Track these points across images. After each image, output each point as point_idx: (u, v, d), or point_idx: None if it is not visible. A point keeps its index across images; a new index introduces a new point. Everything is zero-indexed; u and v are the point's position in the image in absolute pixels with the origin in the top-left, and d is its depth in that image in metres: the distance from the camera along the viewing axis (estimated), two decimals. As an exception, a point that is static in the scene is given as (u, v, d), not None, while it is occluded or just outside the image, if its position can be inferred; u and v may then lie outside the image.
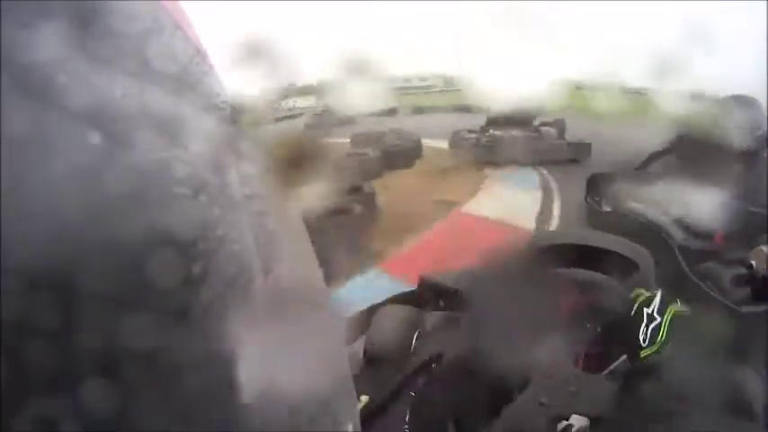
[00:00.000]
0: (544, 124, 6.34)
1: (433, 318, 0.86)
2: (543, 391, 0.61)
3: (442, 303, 0.89)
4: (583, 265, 0.74)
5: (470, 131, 6.50)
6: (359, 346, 0.85)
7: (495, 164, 5.45)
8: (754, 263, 1.98)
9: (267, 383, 0.17)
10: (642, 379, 0.58)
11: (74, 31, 0.14)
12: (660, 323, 0.64)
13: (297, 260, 0.21)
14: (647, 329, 0.64)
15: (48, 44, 0.13)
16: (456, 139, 6.53)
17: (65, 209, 0.12)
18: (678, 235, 2.48)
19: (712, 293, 2.02)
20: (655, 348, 0.63)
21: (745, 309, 1.88)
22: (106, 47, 0.15)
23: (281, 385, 0.18)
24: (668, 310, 0.65)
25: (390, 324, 0.84)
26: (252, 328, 0.17)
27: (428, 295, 0.94)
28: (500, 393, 0.65)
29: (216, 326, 0.15)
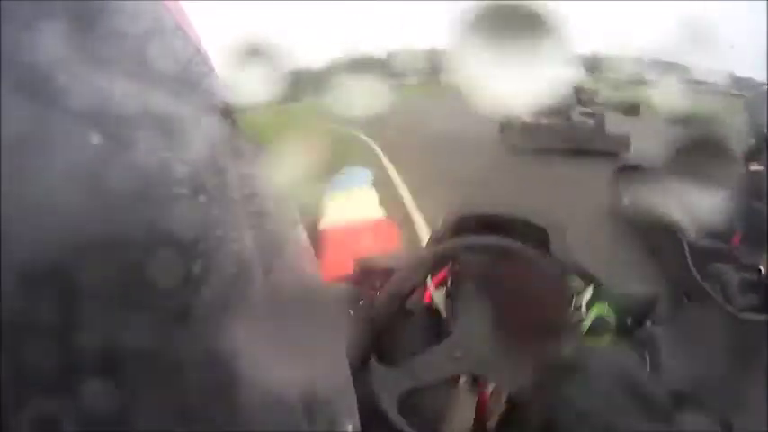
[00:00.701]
0: (585, 114, 6.33)
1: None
2: (459, 347, 0.61)
3: (378, 284, 0.91)
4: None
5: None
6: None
7: (531, 151, 5.43)
8: (762, 268, 1.94)
9: (267, 383, 0.17)
10: (561, 376, 0.59)
11: (74, 31, 0.14)
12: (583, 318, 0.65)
13: (297, 260, 0.22)
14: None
15: (48, 44, 0.13)
16: (503, 125, 6.43)
17: (65, 209, 0.12)
18: (692, 233, 2.42)
19: (715, 297, 1.99)
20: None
21: (744, 315, 1.84)
22: (107, 47, 0.15)
23: (281, 385, 0.18)
24: (593, 308, 0.68)
25: None
26: (252, 328, 0.17)
27: (363, 277, 0.96)
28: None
29: (216, 326, 0.15)
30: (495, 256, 0.70)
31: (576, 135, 5.83)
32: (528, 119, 6.10)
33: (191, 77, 0.19)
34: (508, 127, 6.30)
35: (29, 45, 0.13)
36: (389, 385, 0.60)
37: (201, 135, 0.17)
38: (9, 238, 0.11)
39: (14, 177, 0.12)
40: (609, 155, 5.27)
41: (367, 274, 0.94)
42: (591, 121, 6.18)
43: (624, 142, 5.63)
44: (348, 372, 0.24)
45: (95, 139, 0.13)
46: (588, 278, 0.71)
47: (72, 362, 0.12)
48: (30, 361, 0.12)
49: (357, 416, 0.24)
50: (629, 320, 0.74)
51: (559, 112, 6.27)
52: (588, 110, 6.52)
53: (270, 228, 0.20)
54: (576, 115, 6.30)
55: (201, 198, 0.16)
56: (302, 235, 0.24)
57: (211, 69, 0.21)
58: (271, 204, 0.21)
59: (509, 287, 0.67)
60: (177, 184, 0.15)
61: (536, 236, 0.73)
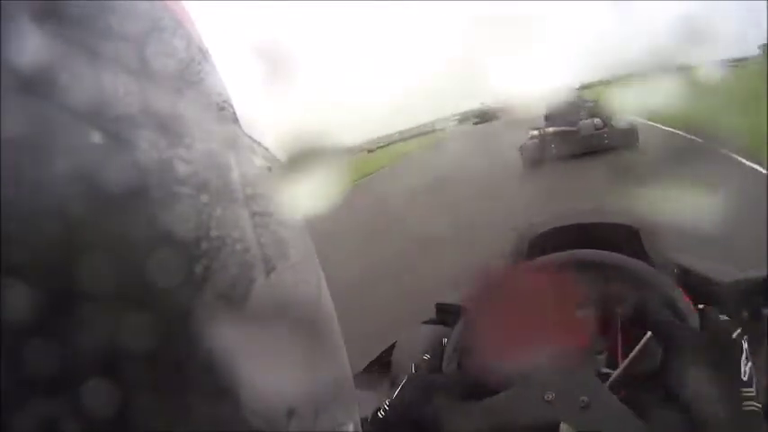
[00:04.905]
0: (594, 115, 6.83)
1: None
2: (552, 387, 0.51)
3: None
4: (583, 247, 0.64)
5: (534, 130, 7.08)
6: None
7: (543, 162, 5.92)
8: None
9: (268, 384, 0.17)
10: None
11: (76, 29, 0.14)
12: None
13: (299, 260, 0.21)
14: (746, 364, 0.51)
15: (49, 43, 0.13)
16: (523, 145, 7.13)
17: (66, 208, 0.12)
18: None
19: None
20: (753, 393, 0.49)
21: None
22: (108, 45, 0.15)
23: (282, 385, 0.18)
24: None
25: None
26: (253, 328, 0.17)
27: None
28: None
29: (217, 326, 0.15)
30: (604, 272, 0.59)
31: (586, 138, 6.25)
32: (539, 133, 6.69)
33: (193, 76, 0.19)
34: (525, 145, 6.72)
35: (29, 44, 0.13)
36: (466, 423, 0.52)
37: (204, 134, 0.17)
38: (9, 238, 0.11)
39: (15, 177, 0.12)
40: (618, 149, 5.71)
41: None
42: (595, 120, 6.55)
43: (631, 135, 6.11)
44: (349, 372, 0.24)
45: (96, 138, 0.13)
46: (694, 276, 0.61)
47: (72, 362, 0.12)
48: (30, 361, 0.11)
49: (358, 416, 0.24)
50: (744, 313, 0.63)
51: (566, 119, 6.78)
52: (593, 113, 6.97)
53: (273, 228, 0.20)
54: (583, 120, 6.67)
55: (204, 197, 0.16)
56: (307, 235, 0.24)
57: (214, 68, 0.20)
58: (274, 204, 0.21)
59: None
60: (179, 182, 0.15)
61: (627, 238, 0.62)
